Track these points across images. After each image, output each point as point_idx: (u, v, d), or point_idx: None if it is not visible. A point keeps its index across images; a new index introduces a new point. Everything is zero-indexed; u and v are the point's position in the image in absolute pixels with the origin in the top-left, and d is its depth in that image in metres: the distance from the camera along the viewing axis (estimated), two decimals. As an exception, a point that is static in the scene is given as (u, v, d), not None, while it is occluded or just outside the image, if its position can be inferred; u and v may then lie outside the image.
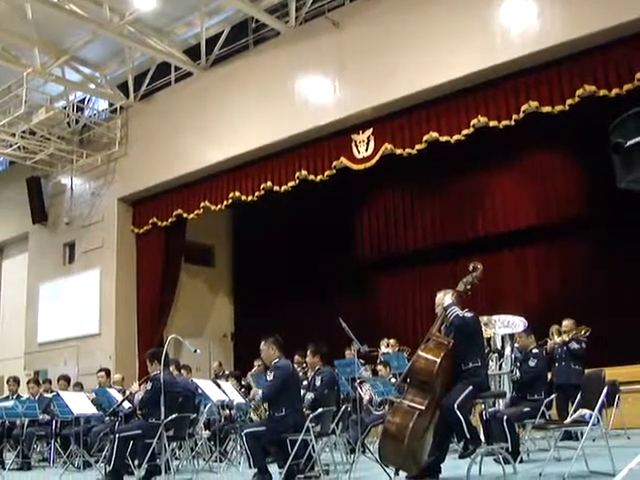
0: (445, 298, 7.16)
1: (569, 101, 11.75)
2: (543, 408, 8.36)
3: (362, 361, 11.61)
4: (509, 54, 12.04)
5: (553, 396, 9.31)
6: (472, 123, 12.74)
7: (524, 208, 15.58)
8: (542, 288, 15.24)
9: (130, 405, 10.71)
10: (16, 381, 13.07)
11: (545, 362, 9.44)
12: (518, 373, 9.05)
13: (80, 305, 18.53)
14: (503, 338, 9.86)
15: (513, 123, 12.39)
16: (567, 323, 10.93)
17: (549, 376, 10.17)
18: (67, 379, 13.32)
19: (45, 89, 18.31)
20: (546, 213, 15.24)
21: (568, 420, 7.17)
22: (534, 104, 12.07)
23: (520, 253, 15.85)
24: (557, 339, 10.85)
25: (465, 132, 12.85)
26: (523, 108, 12.18)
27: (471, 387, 6.76)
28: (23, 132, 18.17)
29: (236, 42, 16.73)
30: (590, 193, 14.60)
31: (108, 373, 12.53)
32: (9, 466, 11.32)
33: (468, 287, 7.32)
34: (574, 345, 10.67)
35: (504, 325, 9.40)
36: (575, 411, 7.13)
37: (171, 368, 9.65)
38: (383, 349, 13.03)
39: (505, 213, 15.91)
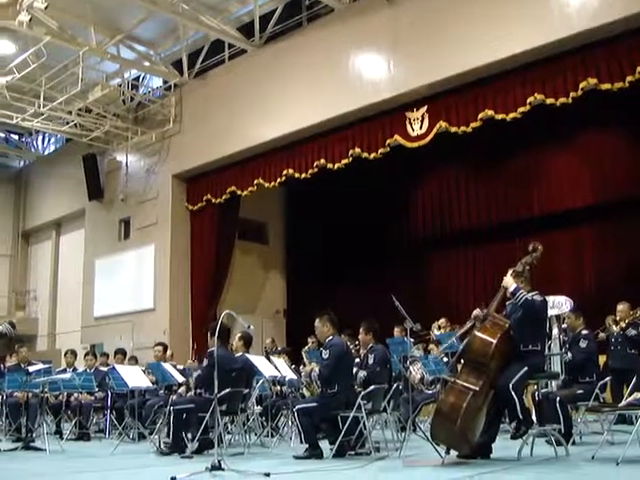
0: (511, 281, 7.06)
1: (629, 78, 11.43)
2: (597, 391, 8.28)
3: (413, 340, 11.56)
4: (567, 30, 11.75)
5: (607, 379, 9.22)
6: (528, 101, 12.52)
7: (580, 188, 15.34)
8: (597, 269, 15.00)
9: (184, 379, 10.93)
10: (73, 354, 13.35)
11: (595, 344, 9.33)
12: (570, 354, 8.96)
13: (135, 280, 18.87)
14: (550, 319, 9.75)
15: (570, 101, 12.13)
16: (622, 308, 10.72)
17: (602, 359, 10.03)
18: (124, 353, 13.60)
19: (101, 67, 18.52)
20: (603, 193, 14.95)
21: (623, 403, 7.08)
22: (593, 81, 11.79)
23: (575, 234, 15.59)
24: (615, 328, 10.67)
25: (521, 110, 12.65)
26: (581, 85, 11.91)
27: (526, 368, 6.73)
28: (79, 110, 18.43)
29: (290, 19, 16.73)
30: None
31: (166, 348, 12.64)
32: (67, 436, 11.61)
33: (527, 268, 7.22)
34: (632, 332, 10.49)
35: (550, 306, 9.28)
36: (630, 394, 7.03)
37: (233, 343, 9.77)
38: (435, 332, 12.90)
39: (561, 193, 15.67)
